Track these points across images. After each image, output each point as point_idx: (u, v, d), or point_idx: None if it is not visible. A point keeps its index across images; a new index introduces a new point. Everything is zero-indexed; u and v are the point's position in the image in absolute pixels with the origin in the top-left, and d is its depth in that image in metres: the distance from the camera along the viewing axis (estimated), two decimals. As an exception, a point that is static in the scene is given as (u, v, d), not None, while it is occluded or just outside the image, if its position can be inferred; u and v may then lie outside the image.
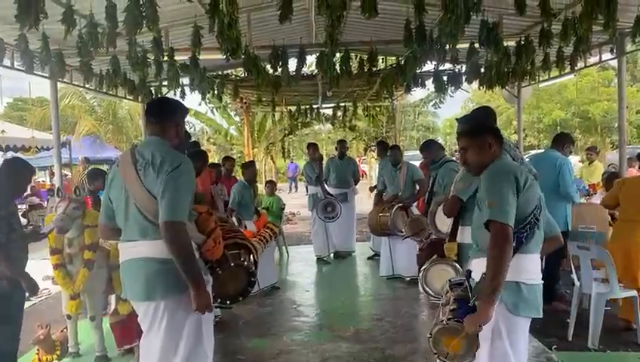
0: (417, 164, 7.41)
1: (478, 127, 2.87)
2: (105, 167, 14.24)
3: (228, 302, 3.29)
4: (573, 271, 4.83)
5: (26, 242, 3.76)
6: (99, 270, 4.46)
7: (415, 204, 6.97)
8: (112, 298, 5.04)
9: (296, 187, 25.25)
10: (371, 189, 8.89)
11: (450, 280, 2.76)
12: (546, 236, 2.63)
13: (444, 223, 3.88)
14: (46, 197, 14.98)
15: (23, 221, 14.05)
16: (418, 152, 6.35)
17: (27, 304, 6.49)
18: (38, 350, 4.53)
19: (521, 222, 2.44)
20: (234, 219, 6.56)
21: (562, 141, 5.63)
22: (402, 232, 6.45)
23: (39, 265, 7.95)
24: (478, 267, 2.56)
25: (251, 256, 3.44)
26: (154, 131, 2.73)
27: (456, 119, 3.86)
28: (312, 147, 8.83)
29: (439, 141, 7.07)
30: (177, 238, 2.48)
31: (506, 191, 2.42)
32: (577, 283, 4.73)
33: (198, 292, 2.54)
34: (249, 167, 7.28)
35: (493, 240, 2.39)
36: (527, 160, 4.16)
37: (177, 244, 2.49)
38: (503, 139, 2.77)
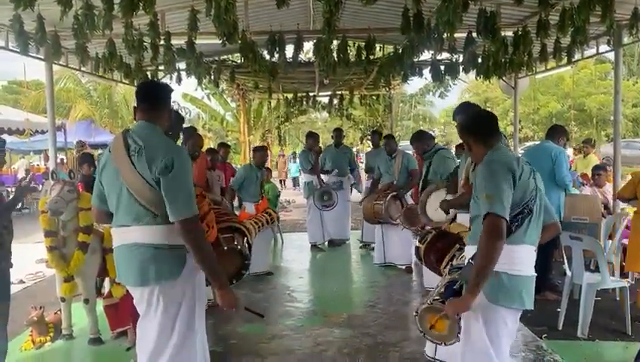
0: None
1: (472, 120, 2.82)
2: (100, 152, 14.18)
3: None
4: (565, 261, 4.88)
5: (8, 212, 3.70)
6: (93, 253, 4.47)
7: (409, 193, 7.00)
8: (106, 281, 5.06)
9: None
10: (366, 171, 8.91)
11: (451, 264, 2.79)
12: (543, 223, 2.59)
13: (435, 212, 3.89)
14: (41, 181, 14.94)
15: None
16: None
17: (21, 286, 6.55)
18: (31, 331, 4.55)
19: (513, 211, 2.41)
20: (235, 199, 6.60)
21: (556, 134, 5.67)
22: (395, 221, 6.49)
23: (33, 249, 7.97)
24: (471, 254, 2.57)
25: (245, 240, 3.45)
26: (146, 116, 2.69)
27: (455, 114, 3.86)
28: (313, 137, 8.72)
29: (433, 131, 7.07)
30: (194, 234, 2.51)
31: (504, 183, 2.40)
32: (569, 274, 4.77)
33: (221, 290, 2.60)
34: (259, 150, 7.27)
35: (487, 233, 2.36)
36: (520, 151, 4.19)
37: (195, 241, 2.51)
38: (490, 129, 2.68)
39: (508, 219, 2.36)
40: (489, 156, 2.57)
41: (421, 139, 5.62)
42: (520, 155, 2.73)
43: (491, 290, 2.40)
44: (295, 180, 21.12)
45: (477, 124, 2.71)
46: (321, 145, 9.81)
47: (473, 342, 2.50)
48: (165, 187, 2.49)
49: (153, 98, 2.75)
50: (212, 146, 14.66)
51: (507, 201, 2.37)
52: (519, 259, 2.44)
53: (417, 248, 3.73)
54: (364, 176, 9.82)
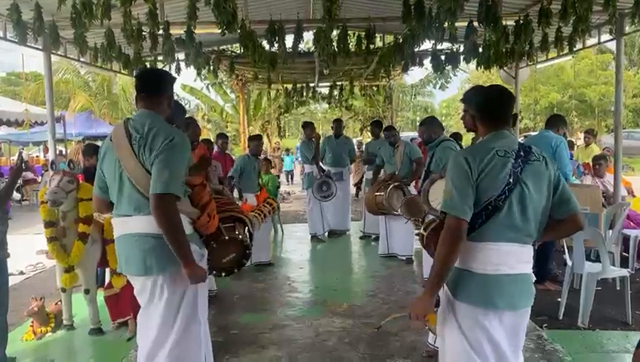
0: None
1: (484, 93, 2.48)
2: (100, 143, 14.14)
3: (223, 275, 3.31)
4: (566, 251, 4.88)
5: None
6: (93, 244, 4.46)
7: (412, 183, 6.97)
8: (107, 271, 5.06)
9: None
10: (365, 162, 8.86)
11: None
12: (557, 217, 2.37)
13: (438, 200, 3.86)
14: (40, 173, 14.94)
15: (17, 195, 14.03)
16: (412, 134, 6.27)
17: (22, 277, 6.55)
18: (32, 322, 4.55)
19: (476, 207, 2.20)
20: (234, 191, 6.58)
21: (556, 123, 5.64)
22: (397, 211, 6.46)
23: (33, 240, 7.98)
24: None
25: (246, 229, 3.44)
26: (147, 104, 2.67)
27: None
28: (309, 127, 8.73)
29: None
30: (166, 211, 2.47)
31: (463, 180, 2.20)
32: (569, 263, 4.77)
33: (188, 266, 2.55)
34: (254, 140, 7.24)
35: (444, 235, 2.19)
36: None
37: (166, 217, 2.47)
38: (494, 118, 2.35)
39: (467, 219, 2.18)
40: (472, 145, 2.41)
41: (431, 124, 5.45)
42: (521, 142, 2.42)
43: (454, 286, 2.29)
44: (288, 174, 20.74)
45: (486, 99, 2.40)
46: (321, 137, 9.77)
47: (448, 336, 2.38)
48: (155, 159, 2.48)
49: (151, 86, 2.72)
50: (211, 138, 14.64)
51: (467, 200, 2.18)
52: (485, 257, 2.23)
53: (420, 235, 3.70)
54: (362, 167, 9.77)
